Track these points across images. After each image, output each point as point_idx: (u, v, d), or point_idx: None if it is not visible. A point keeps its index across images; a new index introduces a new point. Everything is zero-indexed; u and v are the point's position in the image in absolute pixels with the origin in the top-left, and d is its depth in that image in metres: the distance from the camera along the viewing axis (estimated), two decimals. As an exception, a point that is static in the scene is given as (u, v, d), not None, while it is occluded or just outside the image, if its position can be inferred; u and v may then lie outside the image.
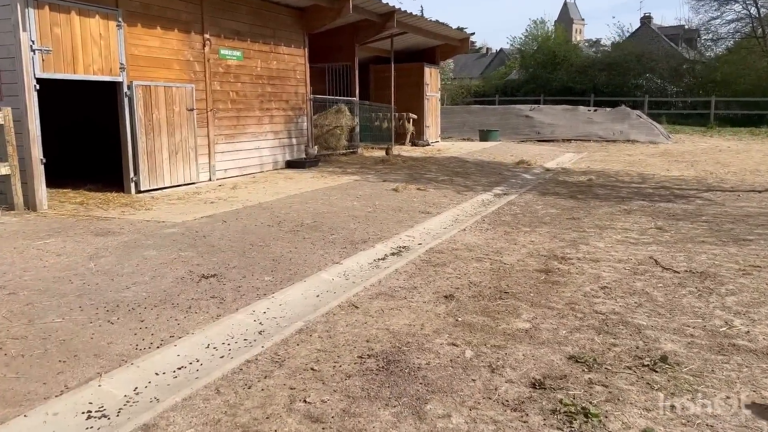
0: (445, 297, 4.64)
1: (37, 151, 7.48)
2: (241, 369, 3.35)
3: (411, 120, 19.21)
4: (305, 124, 13.10)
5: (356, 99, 15.31)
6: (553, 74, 37.98)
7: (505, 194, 10.14)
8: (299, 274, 5.12)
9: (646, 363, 3.52)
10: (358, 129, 15.45)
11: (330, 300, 4.54)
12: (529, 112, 24.08)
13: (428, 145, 19.34)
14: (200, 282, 4.81)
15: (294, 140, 12.78)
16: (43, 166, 7.58)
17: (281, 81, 12.21)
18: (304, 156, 12.96)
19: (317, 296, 4.69)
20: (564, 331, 3.99)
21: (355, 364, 3.45)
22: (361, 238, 6.45)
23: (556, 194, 10.13)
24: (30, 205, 7.49)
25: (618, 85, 35.56)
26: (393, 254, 6.00)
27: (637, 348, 3.74)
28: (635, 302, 4.58)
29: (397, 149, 17.34)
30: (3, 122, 7.16)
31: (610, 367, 3.46)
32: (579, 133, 22.34)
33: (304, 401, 3.01)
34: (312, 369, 3.38)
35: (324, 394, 3.08)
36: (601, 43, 50.47)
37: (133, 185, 8.85)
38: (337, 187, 9.85)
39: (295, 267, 5.33)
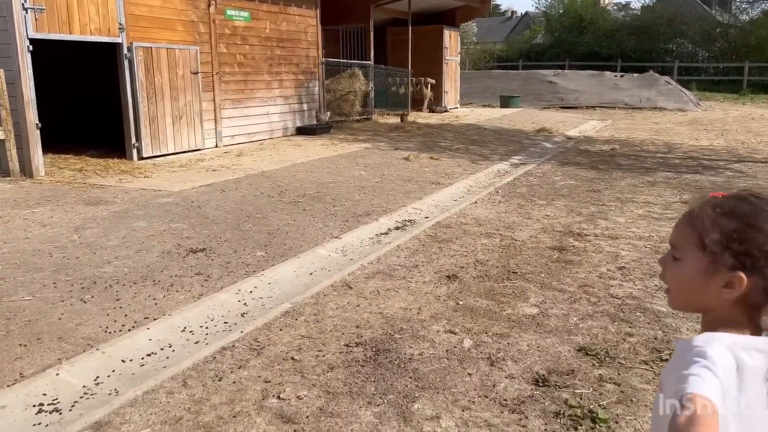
0: (448, 277, 4.30)
1: (32, 115, 7.21)
2: (215, 357, 3.06)
3: (429, 85, 18.64)
4: (317, 88, 12.68)
5: (371, 63, 14.80)
6: (579, 38, 36.70)
7: (522, 164, 9.68)
8: (294, 249, 4.81)
9: (665, 357, 3.16)
10: (372, 94, 14.98)
11: (323, 279, 4.23)
12: (552, 77, 23.27)
13: (446, 111, 18.80)
14: (187, 257, 4.53)
15: (305, 105, 12.38)
16: (38, 131, 7.32)
17: (292, 44, 11.76)
18: (315, 122, 12.57)
19: (310, 274, 4.38)
20: (575, 318, 3.64)
21: (340, 353, 3.14)
22: (364, 211, 6.10)
23: (576, 164, 9.64)
24: (26, 171, 7.26)
25: (647, 49, 34.25)
26: (397, 228, 5.65)
27: (655, 339, 3.38)
28: (655, 285, 4.19)
29: (413, 115, 16.84)
30: (-4, 85, 6.88)
31: (624, 362, 3.11)
32: (604, 99, 21.55)
33: (278, 397, 2.72)
34: (292, 359, 3.08)
35: (301, 389, 2.78)
36: (631, 6, 48.66)
37: (134, 152, 8.57)
38: (346, 155, 9.47)
39: (291, 241, 5.02)
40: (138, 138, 8.54)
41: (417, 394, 2.77)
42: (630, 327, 3.52)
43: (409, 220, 5.94)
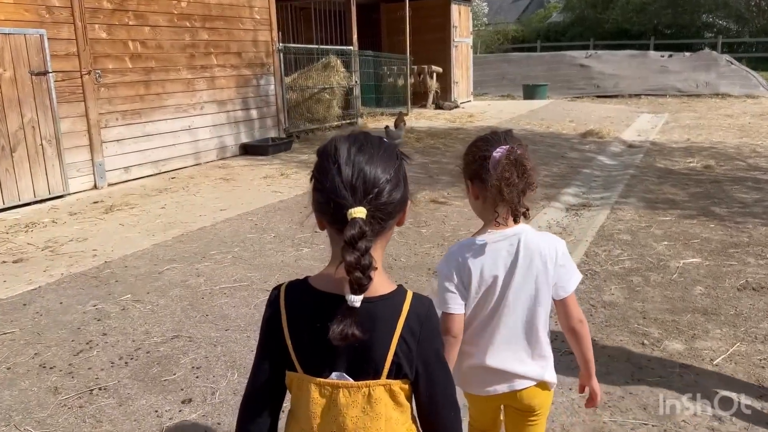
0: None
1: None
2: None
3: (434, 75, 14.84)
4: (273, 86, 8.94)
5: (354, 48, 11.02)
6: (605, 14, 32.49)
7: (584, 206, 5.90)
8: None
9: None
10: (358, 90, 11.21)
11: None
12: (584, 59, 19.30)
13: (457, 107, 14.98)
14: None
15: (254, 112, 8.65)
16: None
17: (227, 23, 8.02)
18: (270, 137, 8.84)
19: None
20: None
21: None
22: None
23: (672, 204, 5.85)
24: None
25: (684, 24, 30.00)
26: None
27: None
28: None
29: (415, 115, 13.07)
30: None
31: None
32: (650, 85, 17.58)
33: None
34: None
35: None
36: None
37: None
38: (292, 202, 5.74)
39: None
40: None
41: None
42: None
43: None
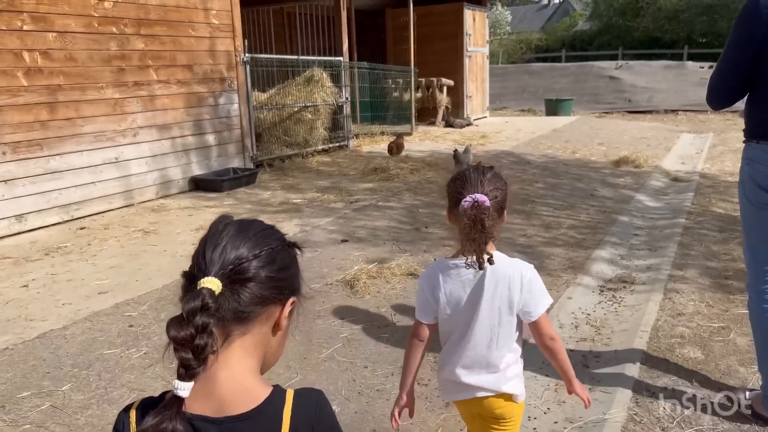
0: None
1: None
2: None
3: (444, 88, 13.17)
4: (236, 105, 7.36)
5: (344, 59, 9.40)
6: (635, 22, 30.54)
7: (624, 283, 4.17)
8: None
9: None
10: (348, 109, 9.58)
11: None
12: (614, 71, 17.47)
13: (470, 124, 13.28)
14: None
15: (211, 138, 7.08)
16: None
17: (172, 29, 6.47)
18: (232, 167, 7.25)
19: None
20: None
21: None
22: None
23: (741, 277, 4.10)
24: None
25: (720, 33, 27.87)
26: None
27: None
28: None
29: (420, 134, 11.41)
30: None
31: None
32: (689, 100, 15.68)
33: None
34: None
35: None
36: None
37: None
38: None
39: None
40: None
41: None
42: None
43: None
